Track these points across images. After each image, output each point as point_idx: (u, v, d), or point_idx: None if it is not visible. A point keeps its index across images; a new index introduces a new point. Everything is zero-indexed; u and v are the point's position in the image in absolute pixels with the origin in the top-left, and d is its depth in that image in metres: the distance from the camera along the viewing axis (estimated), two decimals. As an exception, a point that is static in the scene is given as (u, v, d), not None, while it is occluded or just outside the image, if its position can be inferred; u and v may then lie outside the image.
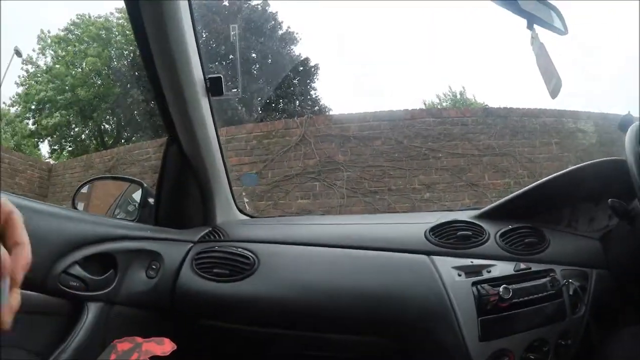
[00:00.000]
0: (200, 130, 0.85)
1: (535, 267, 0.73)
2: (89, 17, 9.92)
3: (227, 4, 6.77)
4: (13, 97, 10.24)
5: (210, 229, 0.89)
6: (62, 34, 9.89)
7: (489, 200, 4.38)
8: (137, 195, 0.97)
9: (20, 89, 10.28)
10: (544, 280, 0.71)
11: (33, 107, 9.67)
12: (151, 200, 0.92)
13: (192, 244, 0.82)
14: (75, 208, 0.98)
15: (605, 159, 0.79)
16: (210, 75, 0.86)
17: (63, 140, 9.60)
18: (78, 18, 9.82)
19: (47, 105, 9.06)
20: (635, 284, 0.73)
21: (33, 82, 9.79)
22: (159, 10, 0.71)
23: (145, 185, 0.96)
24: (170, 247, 0.80)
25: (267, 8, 6.94)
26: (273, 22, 6.99)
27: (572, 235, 0.81)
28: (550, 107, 4.82)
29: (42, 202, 0.68)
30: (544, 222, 0.81)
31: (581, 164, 0.80)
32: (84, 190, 1.03)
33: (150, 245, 0.77)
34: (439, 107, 8.97)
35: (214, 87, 0.86)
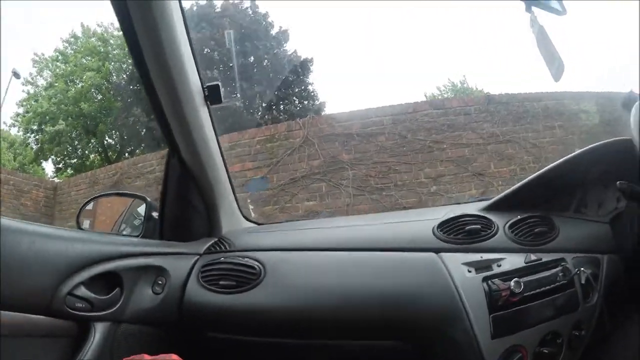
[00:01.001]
0: (201, 140, 0.84)
1: (546, 257, 0.71)
2: (88, 29, 9.97)
3: (219, 10, 6.76)
4: (12, 117, 10.32)
5: (216, 239, 0.88)
6: (61, 47, 9.96)
7: (496, 189, 4.35)
8: (142, 210, 0.96)
9: (21, 109, 10.37)
10: (555, 270, 0.69)
11: (35, 127, 9.74)
12: (155, 214, 0.91)
13: (198, 257, 0.81)
14: (80, 227, 0.98)
15: (610, 140, 0.77)
16: (208, 84, 0.85)
17: (67, 158, 9.66)
18: (80, 32, 9.84)
19: (48, 117, 9.12)
20: None
21: (33, 102, 9.86)
22: (152, 21, 0.70)
23: (148, 199, 0.96)
24: (176, 261, 0.79)
25: (257, 10, 6.94)
26: (264, 23, 6.97)
27: (582, 221, 0.79)
28: (552, 90, 4.77)
29: (45, 224, 0.69)
30: (553, 210, 0.80)
31: (586, 148, 0.78)
32: (89, 207, 1.04)
33: (155, 260, 0.76)
34: (440, 98, 8.92)
35: (212, 95, 0.85)
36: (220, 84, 0.86)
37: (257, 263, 0.77)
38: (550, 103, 4.63)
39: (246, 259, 0.78)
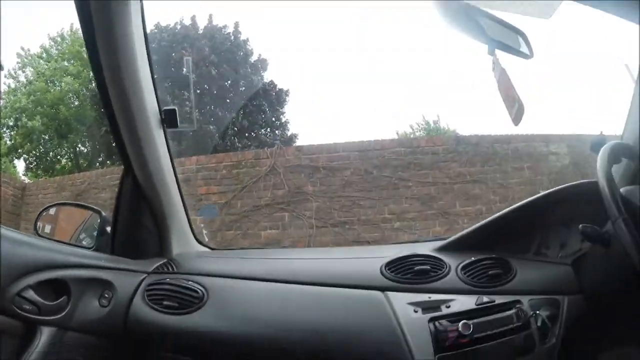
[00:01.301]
0: (154, 162, 0.86)
1: (500, 299, 0.71)
2: (76, 31, 9.86)
3: (200, 32, 6.81)
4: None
5: (166, 260, 0.90)
6: (47, 45, 9.82)
7: (461, 227, 4.40)
8: (96, 221, 0.98)
9: (2, 102, 10.11)
10: (509, 312, 0.69)
11: (11, 123, 9.50)
12: (109, 228, 0.93)
13: (145, 275, 0.84)
14: (37, 230, 1.00)
15: (575, 182, 0.79)
16: (165, 107, 0.87)
17: (38, 159, 9.43)
18: (67, 33, 9.74)
19: (25, 113, 8.93)
20: (610, 307, 0.71)
21: (12, 97, 9.65)
22: (113, 40, 0.72)
23: (103, 214, 0.98)
24: (124, 277, 0.81)
25: (239, 35, 7.00)
26: (244, 50, 7.03)
27: (542, 263, 0.79)
28: (522, 132, 4.90)
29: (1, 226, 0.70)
30: (511, 252, 0.80)
31: (550, 190, 0.80)
32: (51, 212, 1.06)
33: (103, 274, 0.78)
34: (411, 136, 9.10)
35: (168, 119, 0.87)
36: (176, 108, 0.88)
37: (200, 287, 0.79)
38: (520, 145, 4.75)
39: (190, 282, 0.80)
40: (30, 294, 0.67)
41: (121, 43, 0.73)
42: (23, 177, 9.42)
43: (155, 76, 0.85)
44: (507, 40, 0.69)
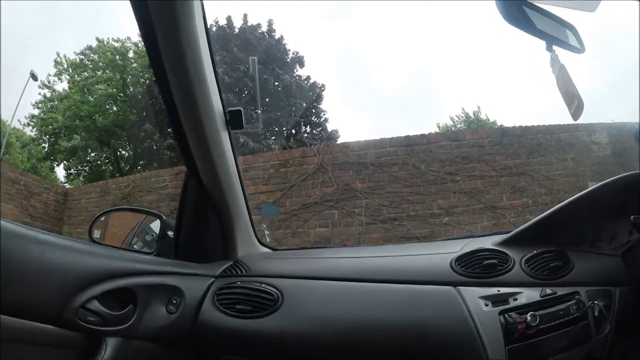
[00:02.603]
0: (220, 163, 0.85)
1: (560, 290, 0.73)
2: (106, 41, 10.14)
3: (236, 33, 6.85)
4: (27, 117, 10.44)
5: (232, 262, 0.88)
6: (77, 58, 10.11)
7: (508, 221, 4.32)
8: (155, 226, 0.98)
9: (36, 111, 10.52)
10: (569, 303, 0.71)
11: (50, 130, 9.87)
12: (170, 233, 0.92)
13: (213, 279, 0.82)
14: (92, 238, 0.99)
15: (624, 174, 0.78)
16: (230, 109, 0.86)
17: (79, 165, 9.75)
18: (98, 41, 10.04)
19: (64, 131, 9.25)
20: None
21: (49, 107, 10.03)
22: (177, 43, 0.71)
23: (164, 217, 0.97)
24: (191, 281, 0.79)
25: (273, 34, 6.99)
26: (280, 48, 7.02)
27: (595, 255, 0.80)
28: (565, 122, 4.77)
29: (59, 235, 0.69)
30: (568, 244, 0.81)
31: (599, 184, 0.79)
32: (102, 218, 1.06)
33: (170, 280, 0.77)
34: (453, 129, 8.91)
35: (233, 120, 0.86)
36: (242, 109, 0.88)
37: (274, 289, 0.78)
38: (563, 135, 4.63)
39: (264, 285, 0.79)
40: (95, 305, 0.65)
41: (185, 43, 0.71)
42: (64, 184, 9.81)
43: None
44: (557, 33, 0.68)
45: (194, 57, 0.74)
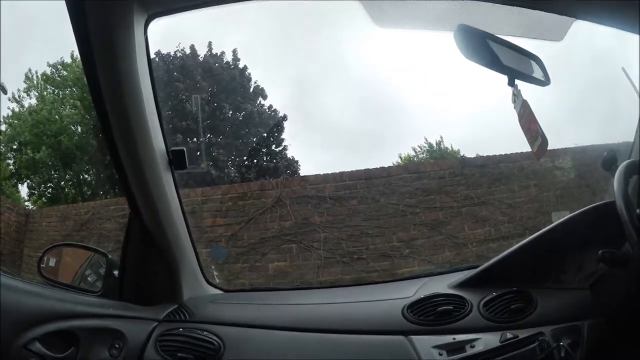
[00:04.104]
0: (162, 204, 0.83)
1: (523, 333, 0.69)
2: (77, 59, 9.95)
3: (199, 61, 6.81)
4: (-7, 132, 10.09)
5: (176, 306, 0.87)
6: (48, 71, 9.88)
7: (470, 250, 4.35)
8: (103, 263, 0.97)
9: (3, 127, 10.17)
10: (532, 345, 0.67)
11: (15, 146, 9.55)
12: (116, 272, 0.90)
13: (156, 323, 0.81)
14: (41, 271, 0.98)
15: (590, 206, 0.77)
16: (173, 148, 0.84)
17: (43, 184, 9.44)
18: (72, 59, 9.85)
19: (30, 145, 8.98)
20: (632, 328, 0.68)
21: (16, 122, 9.71)
22: (116, 79, 0.69)
23: (109, 256, 0.95)
24: (134, 325, 0.78)
25: (237, 64, 7.00)
26: (243, 77, 7.01)
27: (561, 291, 0.78)
28: (527, 150, 4.86)
29: (4, 273, 0.68)
30: (530, 283, 0.78)
31: (565, 218, 0.79)
32: (53, 252, 1.05)
33: (113, 323, 0.75)
34: (415, 159, 9.09)
35: (176, 160, 0.85)
36: (185, 149, 0.86)
37: (216, 338, 0.76)
38: (526, 162, 4.73)
39: (205, 333, 0.77)
40: (37, 347, 0.64)
41: (125, 79, 0.70)
42: (27, 203, 9.45)
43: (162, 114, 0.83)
44: (522, 67, 0.67)
45: (133, 95, 0.72)
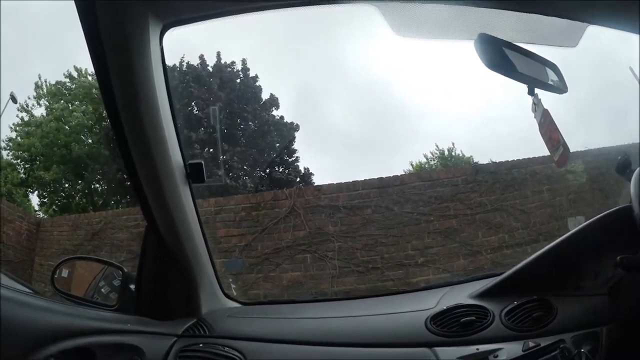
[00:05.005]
0: (180, 219, 0.82)
1: (544, 341, 0.69)
2: (85, 72, 10.03)
3: (210, 71, 6.84)
4: (4, 140, 10.22)
5: (195, 320, 0.85)
6: (53, 88, 9.95)
7: (485, 257, 4.31)
8: (118, 275, 0.96)
9: (13, 134, 10.30)
10: (554, 353, 0.68)
11: (26, 156, 9.64)
12: (132, 286, 0.89)
13: (175, 338, 0.79)
14: (54, 284, 0.97)
15: (606, 212, 0.76)
16: (190, 161, 0.83)
17: (53, 195, 9.51)
18: (76, 70, 9.95)
19: (40, 158, 9.07)
20: None
21: (26, 132, 9.82)
22: (133, 92, 0.68)
23: (125, 270, 0.94)
24: (152, 341, 0.76)
25: (247, 73, 7.02)
26: (254, 87, 7.01)
27: (580, 297, 0.77)
28: (539, 155, 4.84)
29: (18, 290, 0.67)
30: (550, 290, 0.78)
31: (581, 225, 0.78)
32: (66, 265, 1.04)
33: (130, 339, 0.73)
34: (426, 166, 9.04)
35: (194, 173, 0.83)
36: (202, 162, 0.84)
37: (238, 354, 0.75)
38: (538, 168, 4.69)
39: (226, 349, 0.76)
40: None
41: (141, 90, 0.69)
42: (37, 212, 9.52)
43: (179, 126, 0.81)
44: (539, 75, 0.66)
45: (149, 106, 0.71)
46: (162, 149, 0.76)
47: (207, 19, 0.72)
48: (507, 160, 4.73)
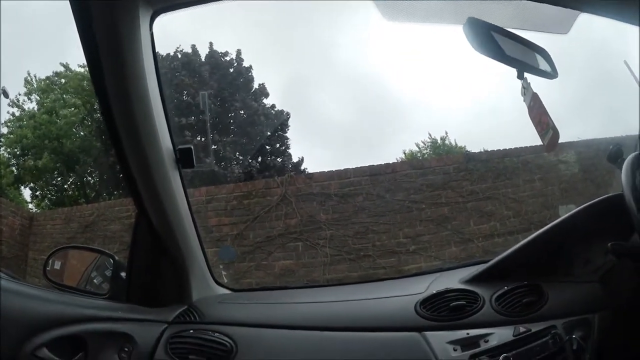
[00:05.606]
0: (170, 204, 0.82)
1: (535, 327, 0.70)
2: (71, 67, 9.93)
3: (202, 59, 6.80)
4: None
5: (186, 307, 0.85)
6: (43, 83, 9.84)
7: (476, 245, 4.34)
8: (109, 265, 0.96)
9: (5, 130, 10.19)
10: (545, 339, 0.68)
11: (17, 152, 9.56)
12: (123, 274, 0.89)
13: (166, 325, 0.79)
14: (46, 275, 0.97)
15: (597, 199, 0.77)
16: (180, 146, 0.83)
17: (45, 188, 9.45)
18: (63, 66, 9.86)
19: (32, 151, 8.99)
20: None
21: (18, 126, 9.72)
22: (122, 77, 0.68)
23: (116, 258, 0.94)
24: (143, 328, 0.77)
25: (241, 62, 6.98)
26: (247, 76, 6.99)
27: (571, 284, 0.77)
28: (531, 144, 4.86)
29: (9, 278, 0.67)
30: (540, 276, 0.78)
31: (571, 212, 0.78)
32: (58, 255, 1.04)
33: (121, 326, 0.74)
34: (419, 155, 9.02)
35: (184, 158, 0.83)
36: (192, 147, 0.84)
37: (228, 340, 0.75)
38: (530, 157, 4.72)
39: (217, 334, 0.76)
40: (45, 353, 0.63)
41: (131, 76, 0.69)
42: (30, 206, 9.45)
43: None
44: (528, 59, 0.67)
45: (139, 92, 0.71)
46: (151, 134, 0.76)
47: (197, 4, 0.72)
48: (499, 149, 4.75)
